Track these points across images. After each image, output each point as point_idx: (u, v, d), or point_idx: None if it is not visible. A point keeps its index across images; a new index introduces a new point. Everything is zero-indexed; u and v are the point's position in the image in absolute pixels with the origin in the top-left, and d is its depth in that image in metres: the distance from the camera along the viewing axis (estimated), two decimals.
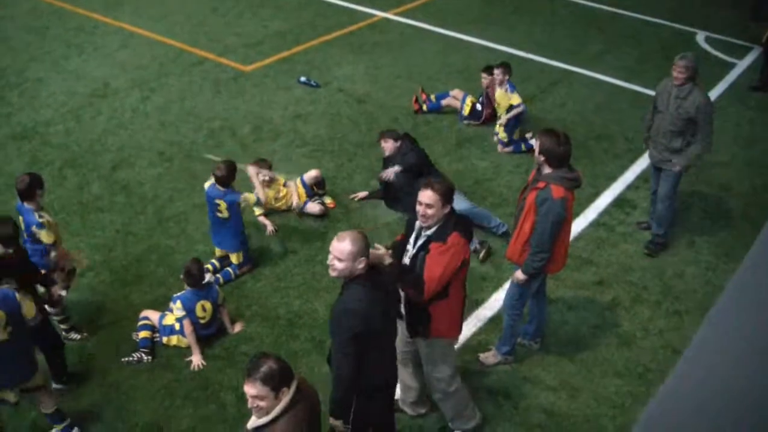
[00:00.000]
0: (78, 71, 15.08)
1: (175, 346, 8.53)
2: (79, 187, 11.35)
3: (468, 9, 18.80)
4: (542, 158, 7.15)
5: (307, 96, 14.06)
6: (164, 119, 13.27)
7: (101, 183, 11.53)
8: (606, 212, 11.03)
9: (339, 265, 5.62)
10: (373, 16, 18.12)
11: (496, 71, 12.23)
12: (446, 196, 6.30)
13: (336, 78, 14.77)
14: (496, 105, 12.51)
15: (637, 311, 9.21)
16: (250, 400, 4.65)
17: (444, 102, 13.41)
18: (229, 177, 9.13)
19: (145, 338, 8.48)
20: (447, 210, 6.33)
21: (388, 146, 10.28)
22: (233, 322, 8.85)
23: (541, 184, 7.15)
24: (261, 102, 13.74)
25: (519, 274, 7.54)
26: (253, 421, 4.76)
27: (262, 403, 4.63)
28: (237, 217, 9.36)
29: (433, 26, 17.47)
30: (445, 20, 17.81)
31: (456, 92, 13.42)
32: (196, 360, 8.33)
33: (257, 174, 9.77)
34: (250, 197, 9.36)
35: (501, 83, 12.23)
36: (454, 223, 6.35)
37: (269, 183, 10.47)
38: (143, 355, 8.38)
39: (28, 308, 6.64)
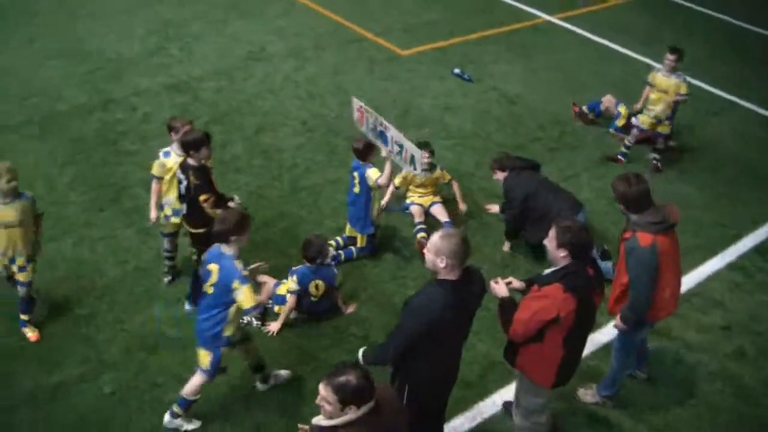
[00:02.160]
0: (236, 33, 15.38)
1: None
2: (222, 145, 11.52)
3: (634, 23, 18.05)
4: (622, 207, 6.88)
5: (458, 89, 13.88)
6: (313, 90, 13.36)
7: (243, 144, 11.71)
8: (746, 257, 10.26)
9: (426, 256, 5.65)
10: (536, 17, 17.74)
11: (670, 56, 11.48)
12: (560, 240, 5.99)
13: (490, 75, 14.51)
14: (658, 91, 11.68)
15: (762, 365, 8.53)
16: (318, 397, 4.59)
17: (602, 107, 12.96)
18: (365, 152, 9.04)
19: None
20: (561, 254, 6.01)
21: (498, 177, 9.68)
22: (347, 302, 8.80)
23: (627, 234, 6.83)
24: (412, 88, 13.65)
25: (618, 323, 7.10)
26: (318, 419, 4.70)
27: (327, 407, 4.56)
28: (367, 196, 9.22)
29: (596, 36, 16.93)
30: (609, 31, 17.19)
31: (608, 98, 12.94)
32: (274, 327, 8.37)
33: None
34: (372, 173, 9.06)
35: (673, 70, 11.54)
36: (566, 275, 5.98)
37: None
38: (253, 319, 8.39)
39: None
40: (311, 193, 10.62)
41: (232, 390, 7.75)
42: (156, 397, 7.62)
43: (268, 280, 8.68)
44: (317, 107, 12.93)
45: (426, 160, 9.59)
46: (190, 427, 7.32)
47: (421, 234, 9.69)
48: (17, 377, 7.77)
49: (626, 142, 12.01)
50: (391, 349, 5.75)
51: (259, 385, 7.75)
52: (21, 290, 8.01)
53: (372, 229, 9.43)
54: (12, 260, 7.85)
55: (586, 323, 6.23)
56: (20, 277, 7.95)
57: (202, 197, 8.00)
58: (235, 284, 6.53)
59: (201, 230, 8.12)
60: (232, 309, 6.78)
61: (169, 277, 9.03)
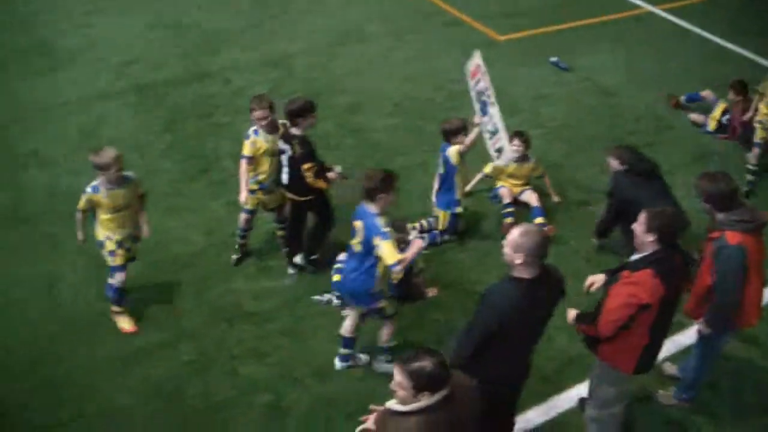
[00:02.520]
0: (337, 11, 15.40)
1: None
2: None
3: (748, 19, 16.96)
4: (708, 205, 6.63)
5: (553, 77, 13.56)
6: (408, 72, 13.25)
7: (335, 122, 11.69)
8: None
9: (504, 249, 5.52)
10: (639, 7, 17.13)
11: None
12: (649, 224, 5.85)
13: (586, 65, 14.05)
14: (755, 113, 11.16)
15: None
16: (393, 382, 4.50)
17: (703, 94, 12.47)
18: (452, 132, 8.92)
19: (338, 281, 8.51)
20: (649, 239, 5.87)
21: (612, 165, 8.99)
22: (429, 286, 8.68)
23: (715, 234, 6.55)
24: (506, 75, 13.34)
25: (703, 328, 6.82)
26: (392, 403, 4.62)
27: (400, 392, 4.48)
28: (450, 175, 9.08)
29: (701, 29, 16.07)
30: (716, 24, 16.14)
31: (707, 92, 12.44)
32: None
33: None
34: (453, 150, 8.89)
35: None
36: (656, 260, 5.85)
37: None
38: (334, 297, 8.40)
39: None
40: (400, 175, 10.48)
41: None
42: (232, 368, 7.68)
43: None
44: (411, 89, 12.82)
45: (516, 149, 9.41)
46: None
47: (509, 219, 9.47)
48: (98, 341, 7.93)
49: (749, 167, 10.96)
50: (467, 345, 5.65)
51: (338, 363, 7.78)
52: (118, 276, 7.95)
53: (455, 208, 9.26)
54: (120, 243, 7.86)
55: (670, 310, 6.12)
56: (120, 259, 7.91)
57: (305, 166, 8.10)
58: (376, 240, 6.65)
59: (303, 198, 8.41)
60: (380, 265, 6.90)
61: (237, 256, 9.02)
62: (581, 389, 7.45)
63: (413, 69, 13.40)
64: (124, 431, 7.10)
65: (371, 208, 6.78)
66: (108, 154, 7.47)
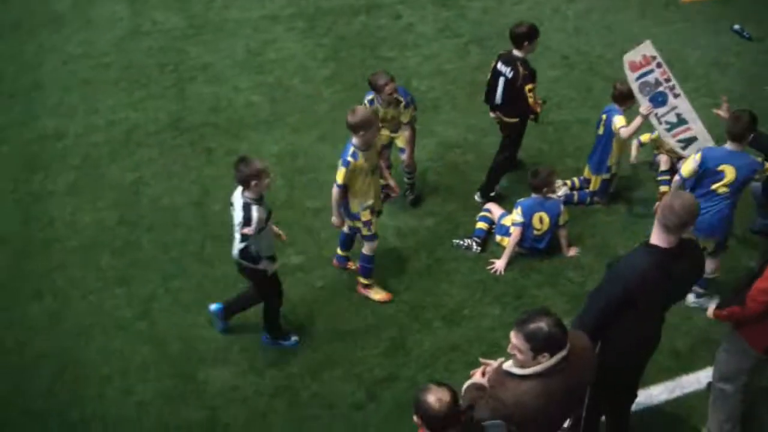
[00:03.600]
0: None
1: (505, 247, 8.33)
2: (477, 66, 11.31)
3: None
4: None
5: (734, 46, 12.69)
6: (581, 26, 12.79)
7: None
8: None
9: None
10: None
11: None
12: None
13: None
14: None
15: None
16: (510, 346, 4.39)
17: None
18: (624, 96, 8.51)
19: (481, 229, 8.46)
20: None
21: None
22: (570, 245, 8.46)
23: None
24: (683, 39, 12.65)
25: None
26: (509, 365, 4.50)
27: (519, 356, 4.36)
28: (608, 140, 8.67)
29: None
30: None
31: None
32: (499, 264, 8.12)
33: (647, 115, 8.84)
34: (618, 120, 8.40)
35: None
36: None
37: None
38: (474, 243, 8.31)
39: None
40: (557, 129, 10.24)
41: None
42: (363, 299, 7.76)
43: (495, 209, 8.54)
44: (581, 43, 12.39)
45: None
46: None
47: (665, 188, 9.03)
48: None
49: None
50: (593, 312, 5.38)
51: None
52: (373, 244, 7.67)
53: (606, 173, 8.88)
54: (372, 209, 7.49)
55: None
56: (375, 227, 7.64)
57: (528, 86, 8.30)
58: None
59: (514, 120, 8.69)
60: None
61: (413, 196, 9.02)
62: (711, 373, 7.14)
63: (587, 23, 12.91)
64: (254, 346, 7.32)
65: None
66: (360, 112, 7.13)
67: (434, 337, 7.41)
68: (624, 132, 8.28)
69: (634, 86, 8.12)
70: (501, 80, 8.52)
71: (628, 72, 8.15)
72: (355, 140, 7.11)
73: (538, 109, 8.55)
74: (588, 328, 5.23)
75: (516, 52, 8.35)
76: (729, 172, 7.02)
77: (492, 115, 9.01)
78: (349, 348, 7.31)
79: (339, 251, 8.08)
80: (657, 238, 5.20)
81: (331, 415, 6.76)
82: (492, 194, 9.08)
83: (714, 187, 7.08)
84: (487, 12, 12.92)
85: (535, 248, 8.28)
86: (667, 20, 13.12)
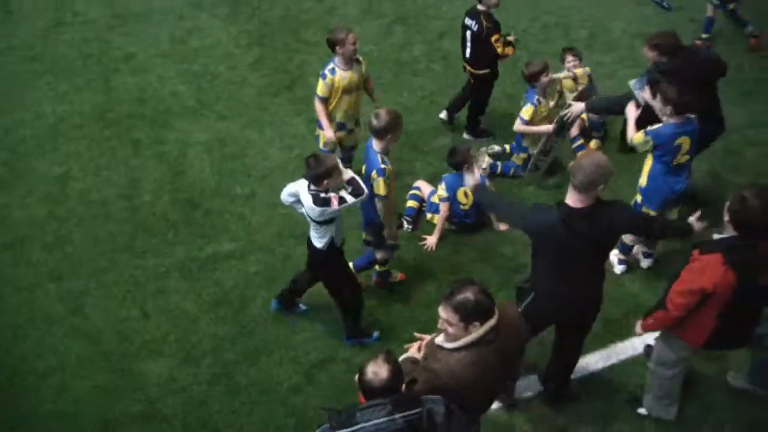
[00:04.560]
0: None
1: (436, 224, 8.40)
2: (401, 45, 11.43)
3: None
4: None
5: (655, 17, 12.91)
6: (507, 1, 12.89)
7: (424, 47, 11.55)
8: None
9: None
10: None
11: None
12: (729, 207, 5.36)
13: (693, 5, 13.37)
14: None
15: None
16: (440, 321, 4.48)
17: None
18: (529, 78, 8.80)
19: (411, 207, 8.53)
20: (727, 220, 5.40)
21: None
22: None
23: None
24: (607, 9, 12.83)
25: None
26: (441, 340, 4.58)
27: (451, 329, 4.44)
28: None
29: None
30: None
31: None
32: (431, 240, 8.08)
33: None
34: (523, 113, 8.81)
35: None
36: (731, 247, 5.36)
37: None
38: (405, 222, 8.40)
39: None
40: (490, 105, 10.35)
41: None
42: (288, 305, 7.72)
43: (425, 186, 8.62)
44: (506, 19, 12.35)
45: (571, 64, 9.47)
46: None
47: (581, 153, 9.20)
48: (172, 245, 8.18)
49: None
50: (507, 210, 6.46)
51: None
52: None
53: (524, 152, 9.06)
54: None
55: (750, 302, 5.65)
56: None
57: (494, 37, 8.89)
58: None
59: (484, 71, 9.26)
60: None
61: None
62: (646, 337, 7.32)
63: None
64: (189, 336, 7.30)
65: None
66: (385, 114, 6.74)
67: (369, 317, 7.47)
68: (517, 126, 8.82)
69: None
70: (468, 34, 9.16)
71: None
72: (379, 145, 6.81)
73: (510, 52, 9.12)
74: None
75: (479, 6, 8.90)
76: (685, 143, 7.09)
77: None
78: (286, 332, 7.35)
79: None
80: (568, 197, 5.44)
81: (269, 400, 6.80)
82: (483, 129, 9.85)
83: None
84: None
85: (464, 223, 8.39)
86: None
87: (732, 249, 5.37)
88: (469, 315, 4.37)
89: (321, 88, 8.00)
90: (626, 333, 7.40)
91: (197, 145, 9.46)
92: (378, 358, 4.24)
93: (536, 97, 8.79)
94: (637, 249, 8.03)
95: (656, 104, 7.11)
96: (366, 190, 6.45)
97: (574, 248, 5.55)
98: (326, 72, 7.93)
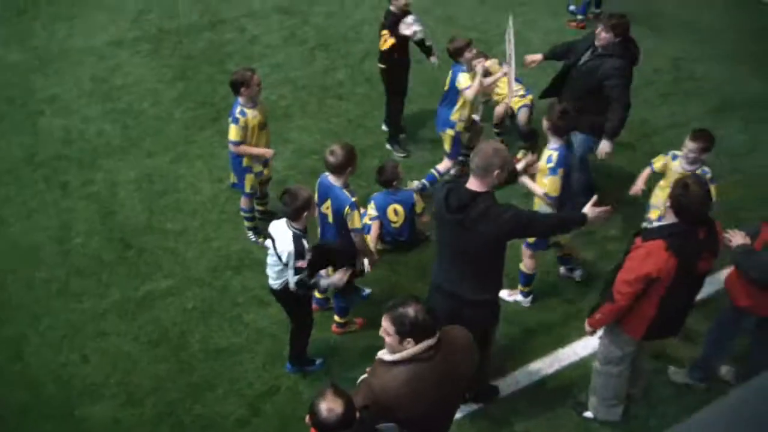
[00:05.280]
0: None
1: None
2: (324, 70, 11.56)
3: None
4: None
5: (571, 30, 13.35)
6: (424, 20, 13.08)
7: (347, 71, 11.70)
8: None
9: None
10: None
11: None
12: (671, 194, 5.61)
13: (607, 15, 13.79)
14: None
15: None
16: (381, 329, 4.56)
17: None
18: (456, 53, 8.94)
19: None
20: (669, 204, 5.64)
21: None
22: (432, 231, 8.52)
23: None
24: (524, 21, 13.16)
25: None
26: (382, 352, 4.67)
27: (388, 339, 4.53)
28: (452, 96, 9.00)
29: None
30: None
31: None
32: (366, 263, 8.15)
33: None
34: (463, 79, 8.81)
35: None
36: (672, 234, 5.58)
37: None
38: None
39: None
40: (412, 122, 10.51)
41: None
42: (236, 315, 7.82)
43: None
44: (426, 38, 12.72)
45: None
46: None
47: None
48: (107, 286, 8.11)
49: None
50: None
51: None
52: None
53: (451, 128, 9.05)
54: None
55: (688, 287, 5.87)
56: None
57: (383, 32, 9.40)
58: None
59: (383, 66, 9.71)
60: None
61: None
62: (586, 343, 7.50)
63: (428, 17, 13.01)
64: (131, 377, 7.25)
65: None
66: (340, 150, 6.73)
67: (311, 344, 7.53)
68: (467, 92, 8.73)
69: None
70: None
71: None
72: (340, 181, 6.83)
73: (386, 47, 9.44)
74: None
75: (390, 7, 9.38)
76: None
77: None
78: (227, 366, 7.35)
79: (316, 294, 7.69)
80: (469, 180, 5.63)
81: None
82: (402, 135, 10.20)
83: None
84: (331, 16, 13.14)
85: (398, 241, 8.50)
86: (508, 5, 13.57)
87: (674, 235, 5.59)
88: (405, 330, 4.45)
89: (236, 133, 7.88)
90: (567, 338, 7.63)
91: (127, 184, 9.43)
92: (327, 394, 4.20)
93: (464, 68, 8.91)
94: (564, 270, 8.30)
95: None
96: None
97: (451, 236, 5.75)
98: (237, 115, 7.85)
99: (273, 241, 6.45)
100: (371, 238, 8.25)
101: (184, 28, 12.77)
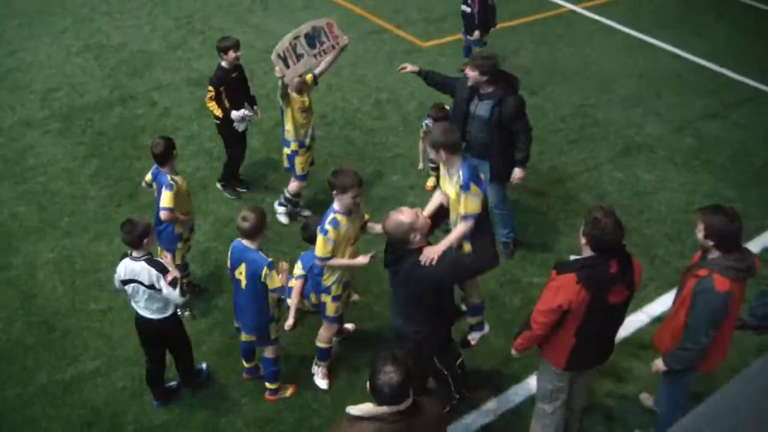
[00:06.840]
0: (260, 25, 15.51)
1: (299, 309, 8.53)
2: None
3: (662, 9, 17.83)
4: (711, 243, 6.00)
5: None
6: (333, 82, 13.37)
7: (260, 138, 11.88)
8: None
9: None
10: (561, 6, 17.62)
11: None
12: (585, 229, 5.82)
13: (513, 66, 14.15)
14: None
15: None
16: None
17: None
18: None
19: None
20: (584, 242, 5.86)
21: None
22: (357, 292, 8.68)
23: (702, 272, 6.00)
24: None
25: (659, 364, 6.44)
26: (351, 407, 4.64)
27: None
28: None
29: (620, 24, 16.71)
30: (635, 19, 16.97)
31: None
32: (287, 324, 8.35)
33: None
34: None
35: None
36: (583, 267, 5.78)
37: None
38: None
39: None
40: (324, 189, 10.59)
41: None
42: (166, 391, 7.72)
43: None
44: (336, 100, 12.98)
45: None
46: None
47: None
48: (33, 371, 7.95)
49: None
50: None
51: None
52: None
53: (287, 147, 9.71)
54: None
55: (603, 319, 6.02)
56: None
57: (209, 87, 9.96)
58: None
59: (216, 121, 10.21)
60: None
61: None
62: (518, 390, 7.68)
63: (339, 78, 13.51)
64: None
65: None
66: (252, 215, 6.90)
67: (243, 415, 7.52)
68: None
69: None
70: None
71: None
72: (255, 244, 6.98)
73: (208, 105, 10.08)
74: None
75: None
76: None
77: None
78: None
79: (245, 364, 7.87)
80: None
81: None
82: (240, 189, 10.72)
83: None
84: None
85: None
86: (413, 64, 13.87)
87: (584, 267, 5.80)
88: (373, 388, 4.52)
89: (171, 200, 8.03)
90: (521, 375, 7.96)
91: (46, 266, 9.29)
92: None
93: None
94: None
95: None
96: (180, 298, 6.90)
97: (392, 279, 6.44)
98: (170, 183, 8.04)
99: (137, 283, 6.84)
100: (293, 296, 8.33)
101: (93, 104, 12.70)
